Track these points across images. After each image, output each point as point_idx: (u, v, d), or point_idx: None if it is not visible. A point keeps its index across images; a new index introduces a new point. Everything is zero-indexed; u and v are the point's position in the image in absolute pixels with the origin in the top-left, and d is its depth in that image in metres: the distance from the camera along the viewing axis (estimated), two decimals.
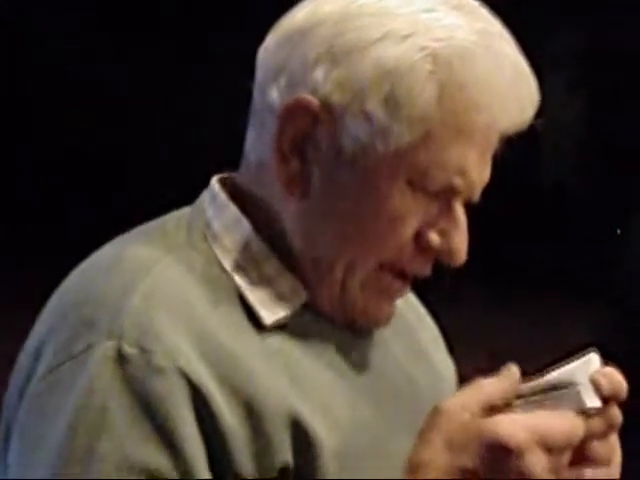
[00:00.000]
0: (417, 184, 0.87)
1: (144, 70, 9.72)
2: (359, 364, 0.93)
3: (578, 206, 8.95)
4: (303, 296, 0.89)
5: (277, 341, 0.88)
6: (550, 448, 0.78)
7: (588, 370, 0.82)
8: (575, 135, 9.77)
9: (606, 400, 0.81)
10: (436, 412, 0.82)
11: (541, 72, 0.89)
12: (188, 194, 0.98)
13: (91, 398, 0.80)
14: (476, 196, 0.90)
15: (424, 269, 0.90)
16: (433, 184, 0.87)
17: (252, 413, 0.83)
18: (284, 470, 0.83)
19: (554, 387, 0.82)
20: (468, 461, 0.79)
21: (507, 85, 0.86)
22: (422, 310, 1.10)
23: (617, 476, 0.86)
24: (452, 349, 1.09)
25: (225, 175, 0.95)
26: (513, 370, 0.84)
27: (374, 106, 0.85)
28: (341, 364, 0.91)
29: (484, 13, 0.88)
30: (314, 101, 0.86)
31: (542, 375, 0.84)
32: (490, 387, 0.82)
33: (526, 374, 0.85)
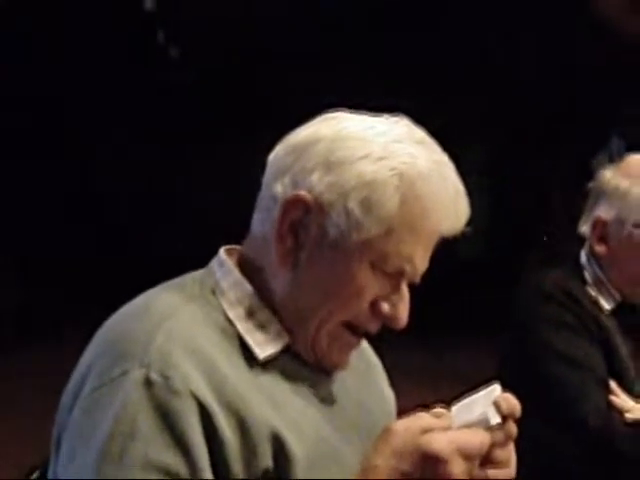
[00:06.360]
0: (377, 266, 1.06)
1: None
2: (323, 395, 1.13)
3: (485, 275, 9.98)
4: (286, 339, 1.09)
5: (266, 376, 1.06)
6: (467, 456, 0.96)
7: (492, 396, 0.99)
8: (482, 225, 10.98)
9: (505, 418, 0.99)
10: (387, 430, 0.99)
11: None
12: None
13: (125, 412, 0.95)
14: (417, 278, 1.11)
15: (374, 328, 1.11)
16: (389, 267, 1.06)
17: (244, 428, 0.99)
18: (266, 472, 1.00)
19: (469, 412, 1.00)
20: (408, 467, 0.96)
21: (450, 201, 1.07)
22: (372, 354, 1.31)
23: (514, 475, 1.03)
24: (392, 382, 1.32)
25: (230, 247, 1.16)
26: (447, 415, 1.02)
27: (353, 205, 1.04)
28: (310, 395, 1.11)
29: (437, 148, 1.10)
30: (309, 197, 1.05)
31: (460, 400, 1.03)
32: (428, 419, 1.00)
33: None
